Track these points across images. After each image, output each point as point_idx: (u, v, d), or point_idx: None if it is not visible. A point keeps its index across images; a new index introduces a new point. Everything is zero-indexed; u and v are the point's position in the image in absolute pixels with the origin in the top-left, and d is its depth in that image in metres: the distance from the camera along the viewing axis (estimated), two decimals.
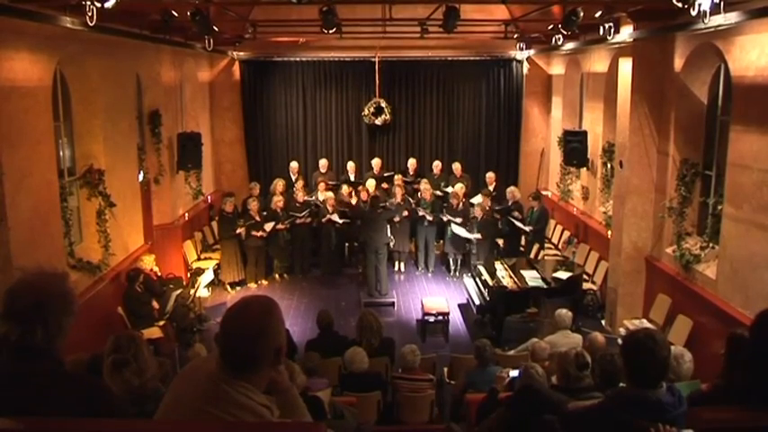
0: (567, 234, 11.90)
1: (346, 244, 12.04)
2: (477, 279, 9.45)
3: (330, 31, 9.12)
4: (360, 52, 13.10)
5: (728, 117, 7.15)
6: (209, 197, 12.73)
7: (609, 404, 2.76)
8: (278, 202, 11.09)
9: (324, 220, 11.11)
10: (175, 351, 7.55)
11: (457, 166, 12.78)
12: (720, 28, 6.35)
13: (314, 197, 11.75)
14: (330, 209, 11.13)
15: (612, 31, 8.46)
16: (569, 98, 12.81)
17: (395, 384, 5.82)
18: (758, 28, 6.17)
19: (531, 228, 10.87)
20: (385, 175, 12.76)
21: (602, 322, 9.26)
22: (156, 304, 8.37)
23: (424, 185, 11.75)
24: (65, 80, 7.67)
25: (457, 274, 11.39)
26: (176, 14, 8.11)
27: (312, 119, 13.80)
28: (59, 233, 6.97)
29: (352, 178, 12.79)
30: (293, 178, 12.48)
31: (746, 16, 5.80)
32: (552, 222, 12.58)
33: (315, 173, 12.93)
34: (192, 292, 9.43)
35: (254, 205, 10.82)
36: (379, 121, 13.40)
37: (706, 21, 5.97)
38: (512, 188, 11.74)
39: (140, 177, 9.51)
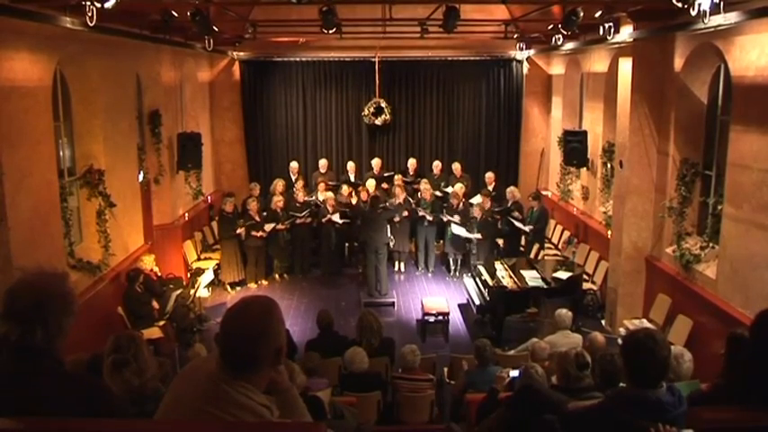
0: (567, 234, 11.90)
1: (346, 244, 12.04)
2: (477, 279, 9.45)
3: (330, 31, 9.12)
4: (360, 52, 13.10)
5: (728, 117, 7.15)
6: (209, 197, 12.73)
7: (609, 404, 2.76)
8: (278, 202, 11.09)
9: (324, 220, 11.11)
10: (175, 351, 7.55)
11: (457, 167, 12.78)
12: (720, 28, 6.35)
13: (314, 197, 11.75)
14: (330, 209, 11.13)
15: (612, 31, 8.46)
16: (569, 98, 12.81)
17: (395, 384, 5.82)
18: (758, 28, 6.17)
19: (530, 227, 10.87)
20: (385, 175, 12.76)
21: (602, 322, 9.26)
22: (156, 304, 8.37)
23: (424, 185, 11.75)
24: (65, 80, 7.67)
25: (457, 274, 11.39)
26: (176, 14, 8.11)
27: (312, 119, 13.80)
28: (59, 233, 6.97)
29: (353, 178, 12.79)
30: (293, 178, 12.47)
31: (746, 16, 5.80)
32: (552, 222, 12.58)
33: (315, 173, 12.93)
34: (192, 292, 9.43)
35: (253, 205, 10.81)
36: (379, 122, 13.41)
37: (706, 21, 5.97)
38: (512, 188, 11.75)
39: (140, 177, 9.51)
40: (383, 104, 13.34)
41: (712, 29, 6.40)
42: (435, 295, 10.22)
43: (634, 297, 8.79)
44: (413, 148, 13.86)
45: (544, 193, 12.78)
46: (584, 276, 9.89)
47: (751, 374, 2.56)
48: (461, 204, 11.30)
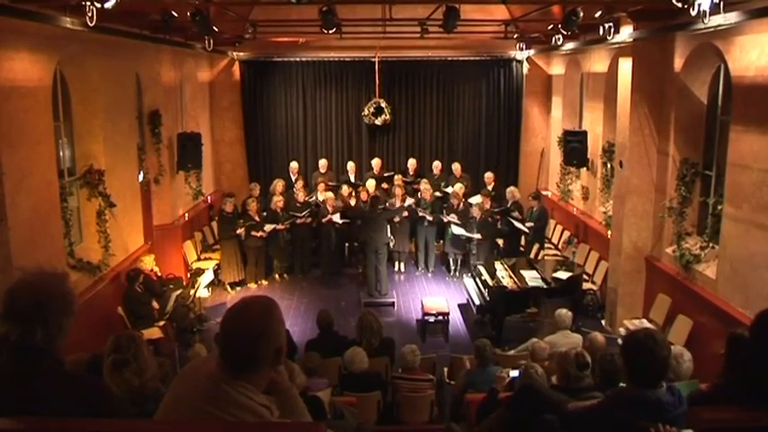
0: (567, 234, 11.90)
1: (346, 244, 12.04)
2: (477, 279, 9.45)
3: (330, 31, 9.12)
4: (360, 52, 13.10)
5: (728, 117, 7.15)
6: (209, 197, 12.73)
7: (609, 404, 2.76)
8: (278, 202, 11.09)
9: (324, 220, 11.11)
10: (175, 351, 7.55)
11: (456, 167, 12.78)
12: (720, 28, 6.35)
13: (313, 197, 11.75)
14: (330, 209, 11.13)
15: (612, 31, 8.46)
16: (569, 98, 12.82)
17: (395, 384, 5.83)
18: (758, 28, 6.17)
19: (530, 225, 10.86)
20: (385, 175, 12.76)
21: (602, 322, 9.26)
22: (155, 304, 8.37)
23: (424, 186, 11.75)
24: (65, 80, 7.67)
25: (457, 274, 11.39)
26: (176, 14, 8.11)
27: (312, 119, 13.80)
28: (59, 233, 6.97)
29: (353, 178, 12.79)
30: (293, 178, 12.47)
31: (746, 16, 5.80)
32: (552, 222, 12.58)
33: (315, 173, 12.93)
34: (191, 292, 9.43)
35: (253, 206, 10.82)
36: (379, 122, 13.41)
37: (706, 21, 5.97)
38: (511, 188, 11.74)
39: (140, 177, 9.51)
40: (383, 104, 13.34)
41: (712, 29, 6.40)
42: (435, 295, 10.22)
43: (634, 297, 8.79)
44: (413, 148, 13.86)
45: (544, 193, 12.78)
46: (584, 276, 9.89)
47: (751, 374, 2.56)
48: (461, 204, 11.30)
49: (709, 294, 7.16)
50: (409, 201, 11.32)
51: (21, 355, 2.04)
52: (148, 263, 8.74)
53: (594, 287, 9.86)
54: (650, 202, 8.56)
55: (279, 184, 11.74)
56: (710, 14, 5.91)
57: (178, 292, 8.91)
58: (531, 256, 10.79)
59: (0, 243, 5.73)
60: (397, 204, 11.23)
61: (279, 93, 13.67)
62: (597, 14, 8.40)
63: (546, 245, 11.82)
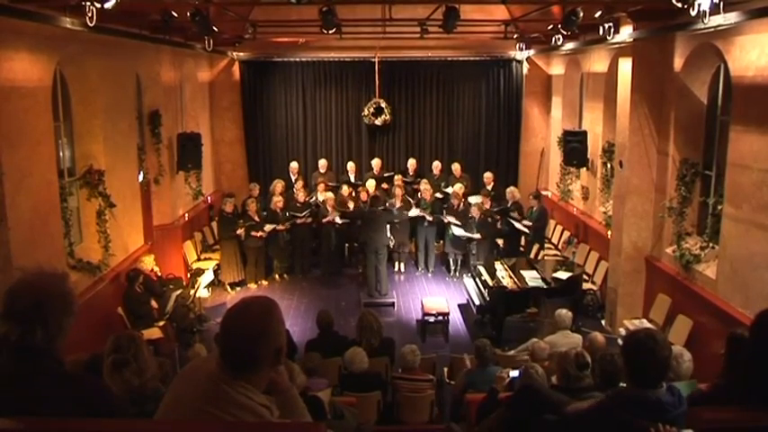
0: (566, 234, 11.90)
1: (346, 244, 12.04)
2: (477, 279, 9.45)
3: (330, 32, 9.12)
4: (360, 52, 13.10)
5: (728, 117, 7.15)
6: (209, 197, 12.73)
7: (609, 404, 2.76)
8: (277, 202, 11.09)
9: (324, 220, 11.11)
10: (175, 351, 7.55)
11: (456, 167, 12.79)
12: (720, 28, 6.35)
13: (313, 198, 11.75)
14: (330, 209, 11.13)
15: (612, 31, 8.46)
16: (569, 98, 12.82)
17: (395, 384, 5.82)
18: (758, 28, 6.17)
19: (528, 224, 10.86)
20: (385, 175, 12.77)
21: (602, 322, 9.26)
22: (155, 304, 8.37)
23: (424, 186, 11.75)
24: (65, 80, 7.67)
25: (457, 274, 11.39)
26: (176, 14, 8.10)
27: (312, 119, 13.80)
28: (59, 233, 6.97)
29: (353, 179, 12.79)
30: (293, 178, 12.48)
31: (746, 16, 5.80)
32: (552, 222, 12.58)
33: (314, 173, 12.93)
34: (191, 292, 9.43)
35: (252, 206, 10.82)
36: (378, 122, 13.41)
37: (706, 21, 5.97)
38: (511, 188, 11.75)
39: (140, 178, 9.51)
40: (383, 104, 13.34)
41: (712, 29, 6.39)
42: (435, 295, 10.22)
43: (634, 297, 8.79)
44: (413, 149, 13.86)
45: (544, 193, 12.78)
46: (584, 276, 9.90)
47: (751, 374, 2.55)
48: (461, 204, 11.30)
49: (709, 294, 7.16)
50: (413, 212, 11.25)
51: (21, 355, 2.04)
52: (148, 263, 8.74)
53: (594, 287, 9.86)
54: (650, 202, 8.56)
55: (278, 185, 11.74)
56: (710, 14, 5.91)
57: (178, 292, 8.91)
58: (531, 256, 10.79)
59: (0, 243, 5.73)
60: (397, 205, 11.23)
61: (279, 93, 13.68)
62: (597, 14, 8.40)
63: (546, 245, 11.82)
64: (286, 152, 13.75)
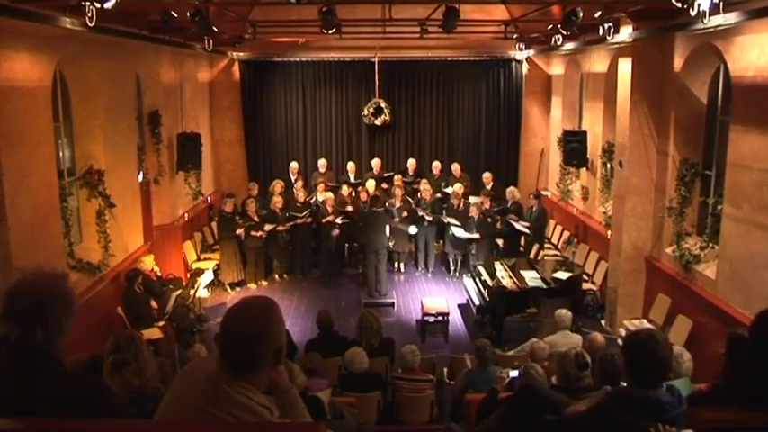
0: (566, 234, 11.90)
1: (346, 244, 12.04)
2: (477, 279, 9.45)
3: (330, 32, 9.12)
4: (360, 52, 13.10)
5: (728, 117, 7.15)
6: (208, 197, 12.73)
7: (609, 404, 2.76)
8: (277, 203, 11.09)
9: (324, 220, 11.11)
10: (175, 351, 7.56)
11: (456, 167, 12.79)
12: (720, 28, 6.35)
13: (313, 198, 11.75)
14: (330, 209, 11.13)
15: (612, 31, 8.46)
16: (569, 98, 12.81)
17: (395, 384, 5.82)
18: (758, 28, 6.17)
19: (526, 224, 10.86)
20: (385, 175, 12.77)
21: (602, 322, 9.26)
22: (155, 304, 8.37)
23: (424, 186, 11.76)
24: (65, 80, 7.67)
25: (457, 274, 11.39)
26: (176, 15, 8.10)
27: (312, 119, 13.81)
28: (59, 233, 6.97)
29: (352, 179, 12.79)
30: (293, 179, 12.48)
31: (746, 16, 5.80)
32: (552, 222, 12.58)
33: (314, 173, 12.93)
34: (191, 292, 9.43)
35: (252, 206, 10.82)
36: (378, 122, 13.41)
37: (705, 21, 5.97)
38: (511, 188, 11.76)
39: (140, 178, 9.51)
40: (383, 105, 13.34)
41: (712, 29, 6.39)
42: (435, 295, 10.22)
43: (634, 297, 8.79)
44: (412, 149, 13.87)
45: (544, 193, 12.78)
46: (584, 276, 9.90)
47: (751, 374, 2.55)
48: (461, 205, 11.30)
49: (708, 294, 7.16)
50: (413, 229, 11.24)
51: (21, 355, 2.04)
52: (148, 263, 8.74)
53: (594, 287, 9.86)
54: (650, 202, 8.56)
55: (278, 185, 11.74)
56: (710, 14, 5.90)
57: (178, 292, 8.90)
58: (531, 256, 10.79)
59: (0, 243, 5.73)
60: (397, 205, 11.24)
61: (279, 93, 13.68)
62: (597, 14, 8.40)
63: (546, 245, 11.82)
64: (286, 152, 13.75)
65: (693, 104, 8.04)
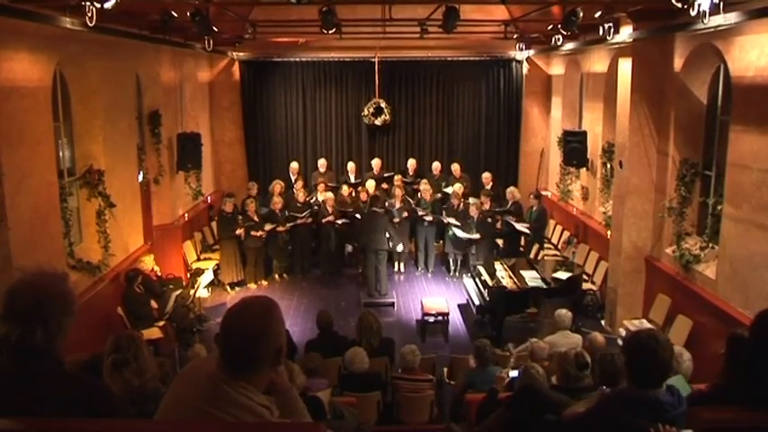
0: (566, 234, 11.90)
1: (346, 244, 12.03)
2: (477, 279, 9.44)
3: (330, 32, 9.12)
4: (359, 52, 13.10)
5: (728, 117, 7.15)
6: (208, 197, 12.73)
7: (609, 405, 2.76)
8: (276, 203, 11.09)
9: (324, 221, 11.11)
10: (175, 351, 7.55)
11: (456, 167, 12.79)
12: (720, 28, 6.35)
13: (313, 198, 11.75)
14: (330, 209, 11.13)
15: (612, 31, 8.46)
16: (569, 98, 12.81)
17: (395, 384, 5.82)
18: (758, 28, 6.17)
19: (526, 225, 10.86)
20: (385, 175, 12.76)
21: (602, 322, 9.26)
22: (155, 304, 8.37)
23: (424, 186, 11.75)
24: (65, 80, 7.66)
25: (457, 274, 11.39)
26: (176, 15, 8.10)
27: (312, 119, 13.80)
28: (59, 233, 6.97)
29: (353, 179, 12.79)
30: (293, 179, 12.48)
31: (746, 16, 5.80)
32: (552, 222, 12.58)
33: (314, 173, 12.93)
34: (191, 292, 9.43)
35: (251, 206, 10.82)
36: (378, 122, 13.41)
37: (705, 21, 5.97)
38: (511, 188, 11.76)
39: (140, 178, 9.51)
40: (383, 105, 13.34)
41: (712, 29, 6.39)
42: (435, 295, 10.22)
43: (634, 297, 8.79)
44: (412, 149, 13.86)
45: (544, 193, 12.77)
46: (584, 276, 9.89)
47: (751, 374, 2.55)
48: (461, 205, 11.30)
49: (708, 294, 7.16)
50: (399, 247, 11.16)
51: (21, 356, 2.04)
52: (148, 263, 8.74)
53: (594, 287, 9.86)
54: (650, 202, 8.56)
55: (277, 185, 11.74)
56: (710, 15, 5.90)
57: (178, 292, 8.90)
58: (531, 256, 10.79)
59: (0, 243, 5.73)
60: (397, 205, 11.24)
61: (279, 93, 13.67)
62: (597, 15, 8.39)
63: (546, 245, 11.82)
64: (286, 152, 13.75)
65: (693, 104, 8.04)
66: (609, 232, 9.62)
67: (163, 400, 1.99)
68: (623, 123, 8.75)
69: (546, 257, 10.86)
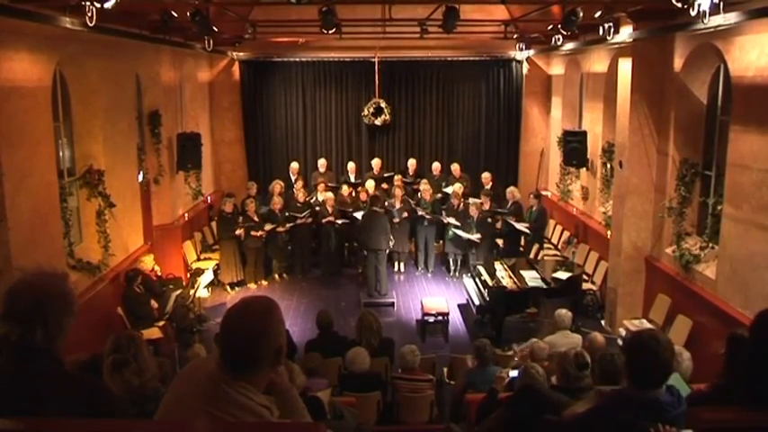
0: (566, 234, 11.90)
1: (346, 244, 12.03)
2: (477, 279, 9.44)
3: (330, 32, 9.12)
4: (359, 52, 13.10)
5: (728, 117, 7.15)
6: (208, 197, 12.73)
7: (608, 405, 2.75)
8: (276, 203, 11.09)
9: (324, 221, 11.11)
10: (175, 351, 7.55)
11: (456, 167, 12.79)
12: (720, 28, 6.35)
13: (313, 198, 11.75)
14: (330, 209, 11.13)
15: (612, 31, 8.46)
16: (569, 98, 12.81)
17: (395, 384, 5.82)
18: (758, 28, 6.17)
19: (526, 225, 10.86)
20: (385, 175, 12.77)
21: (602, 322, 9.26)
22: (155, 304, 8.37)
23: (424, 186, 11.75)
24: (65, 80, 7.66)
25: (457, 274, 11.39)
26: (176, 15, 8.10)
27: (312, 119, 13.81)
28: (59, 233, 6.97)
29: (353, 179, 12.79)
30: (293, 179, 12.48)
31: (746, 16, 5.80)
32: (552, 222, 12.58)
33: (314, 173, 12.93)
34: (191, 292, 9.43)
35: (251, 206, 10.82)
36: (378, 122, 13.41)
37: (705, 21, 5.97)
38: (511, 188, 11.76)
39: (140, 178, 9.51)
40: (383, 105, 13.34)
41: (712, 29, 6.39)
42: (435, 295, 10.22)
43: (634, 297, 8.79)
44: (412, 149, 13.87)
45: (544, 193, 12.77)
46: (584, 276, 9.89)
47: (751, 374, 2.55)
48: (461, 205, 11.30)
49: (708, 294, 7.16)
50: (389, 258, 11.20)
51: (21, 356, 2.04)
52: (148, 263, 8.74)
53: (594, 287, 9.86)
54: (650, 202, 8.56)
55: (277, 186, 11.75)
56: (710, 14, 5.91)
57: (178, 292, 8.90)
58: (531, 256, 10.79)
59: (0, 243, 5.73)
60: (397, 205, 11.24)
61: (279, 93, 13.67)
62: (597, 14, 8.39)
63: (546, 245, 11.82)
64: (286, 152, 13.75)
65: (693, 104, 8.04)
66: (609, 232, 9.62)
67: (163, 400, 1.99)
68: (623, 123, 8.75)
69: (546, 257, 10.86)
